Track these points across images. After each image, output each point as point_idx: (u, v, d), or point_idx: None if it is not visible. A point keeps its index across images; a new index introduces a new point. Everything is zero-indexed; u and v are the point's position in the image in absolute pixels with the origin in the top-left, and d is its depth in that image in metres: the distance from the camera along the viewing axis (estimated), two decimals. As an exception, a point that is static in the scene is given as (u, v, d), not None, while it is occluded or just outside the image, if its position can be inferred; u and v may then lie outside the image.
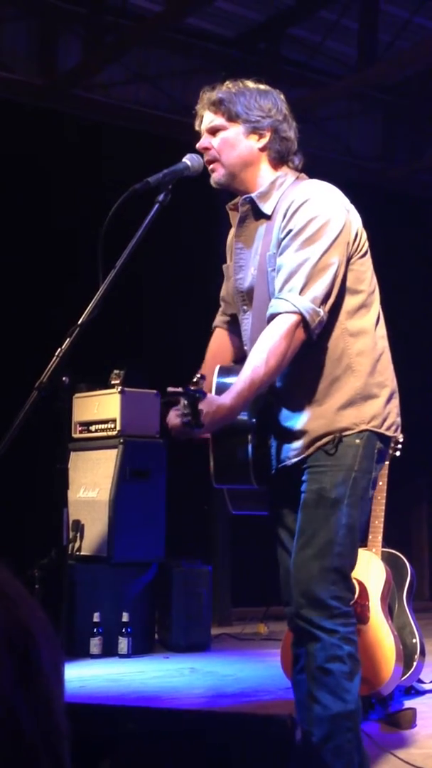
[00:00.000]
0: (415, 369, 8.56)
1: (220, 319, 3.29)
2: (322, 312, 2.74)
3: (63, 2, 7.25)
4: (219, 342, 3.24)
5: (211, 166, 2.93)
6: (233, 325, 3.18)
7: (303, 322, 2.71)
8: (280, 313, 2.72)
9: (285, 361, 2.71)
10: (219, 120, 2.92)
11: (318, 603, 2.72)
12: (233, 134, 2.92)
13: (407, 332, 8.68)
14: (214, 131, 2.93)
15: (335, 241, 2.78)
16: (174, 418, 2.67)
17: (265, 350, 2.68)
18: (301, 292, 2.72)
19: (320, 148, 8.48)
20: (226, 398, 2.67)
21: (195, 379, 2.55)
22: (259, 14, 7.60)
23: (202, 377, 2.56)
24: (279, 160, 2.97)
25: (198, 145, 2.95)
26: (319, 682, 2.71)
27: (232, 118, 2.91)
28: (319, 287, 2.73)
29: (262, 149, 2.94)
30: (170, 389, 2.57)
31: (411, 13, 7.26)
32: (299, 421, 2.84)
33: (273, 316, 2.73)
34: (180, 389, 2.54)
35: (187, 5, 6.72)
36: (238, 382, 2.69)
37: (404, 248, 8.85)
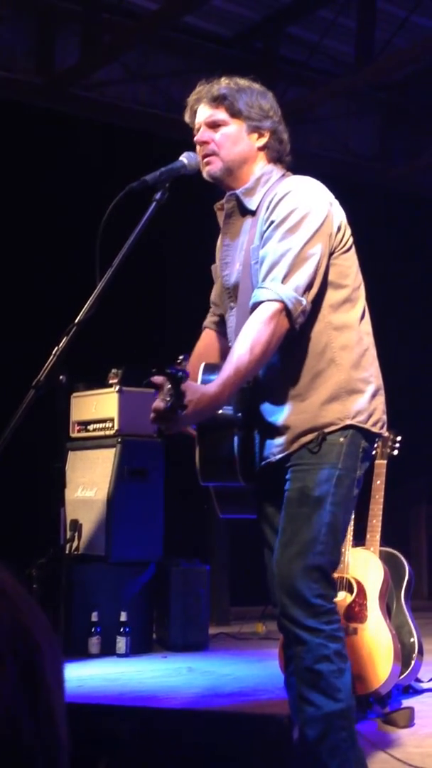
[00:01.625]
0: (414, 369, 8.57)
1: (209, 319, 3.29)
2: (305, 301, 2.73)
3: (60, 1, 7.24)
4: (207, 342, 3.23)
5: (206, 159, 2.92)
6: (222, 326, 3.18)
7: (286, 310, 2.70)
8: (262, 302, 2.71)
9: (270, 349, 2.70)
10: (221, 115, 2.92)
11: (301, 601, 2.70)
12: (235, 131, 2.92)
13: (407, 332, 8.69)
14: (214, 125, 2.92)
15: (317, 232, 2.78)
16: (158, 402, 2.63)
17: (250, 339, 2.67)
18: (284, 281, 2.72)
19: (318, 147, 8.48)
20: (211, 387, 2.65)
21: (178, 360, 2.52)
22: (257, 13, 7.60)
23: (185, 357, 2.53)
24: (275, 161, 2.98)
25: (197, 138, 2.94)
26: (308, 684, 2.70)
27: (235, 114, 2.91)
28: (302, 276, 2.73)
29: (260, 148, 2.95)
30: (155, 369, 2.54)
31: (408, 11, 7.26)
32: (282, 415, 2.83)
33: (256, 305, 2.73)
34: (163, 370, 2.50)
35: (184, 4, 6.71)
36: (223, 372, 2.67)
37: (403, 247, 8.85)
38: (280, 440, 2.84)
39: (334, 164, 8.54)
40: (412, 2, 7.21)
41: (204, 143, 2.92)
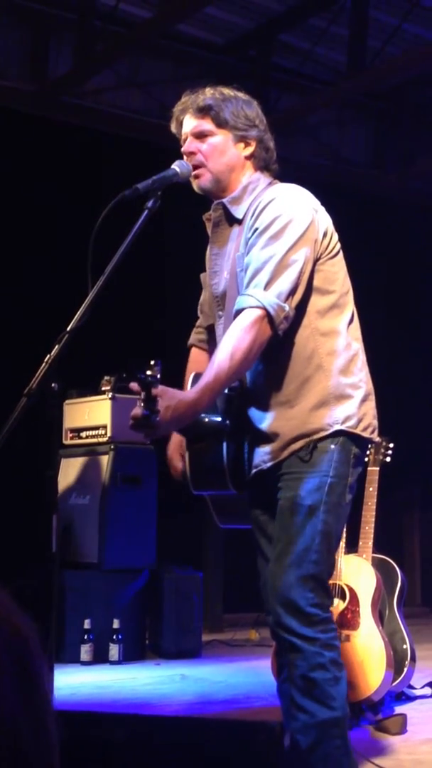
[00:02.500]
0: (407, 375, 8.58)
1: (195, 337, 3.29)
2: (288, 307, 2.74)
3: (53, 9, 7.25)
4: (197, 361, 3.23)
5: (196, 171, 2.93)
6: (209, 343, 3.19)
7: (268, 317, 2.71)
8: (244, 309, 2.72)
9: (251, 355, 2.70)
10: (207, 125, 2.93)
11: (296, 611, 2.70)
12: (222, 141, 2.93)
13: (400, 339, 8.71)
14: (201, 136, 2.93)
15: (300, 239, 2.79)
16: (135, 409, 2.61)
17: (231, 345, 2.67)
18: (266, 287, 2.72)
19: (311, 155, 8.50)
20: (190, 393, 2.65)
21: (151, 364, 2.50)
22: (249, 21, 7.62)
23: (157, 363, 2.51)
24: (262, 169, 2.99)
25: (184, 149, 2.95)
26: (303, 691, 2.69)
27: (221, 124, 2.92)
28: (284, 283, 2.74)
29: (247, 157, 2.96)
30: (126, 375, 2.55)
31: (400, 19, 7.28)
32: (271, 422, 2.83)
33: (238, 312, 2.74)
34: (133, 375, 2.48)
35: (177, 12, 6.73)
36: (203, 378, 2.67)
37: (396, 254, 8.87)
38: (269, 448, 2.84)
39: (327, 172, 8.55)
40: (405, 10, 7.24)
41: (191, 154, 2.93)
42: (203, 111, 2.92)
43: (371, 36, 7.27)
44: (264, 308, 2.70)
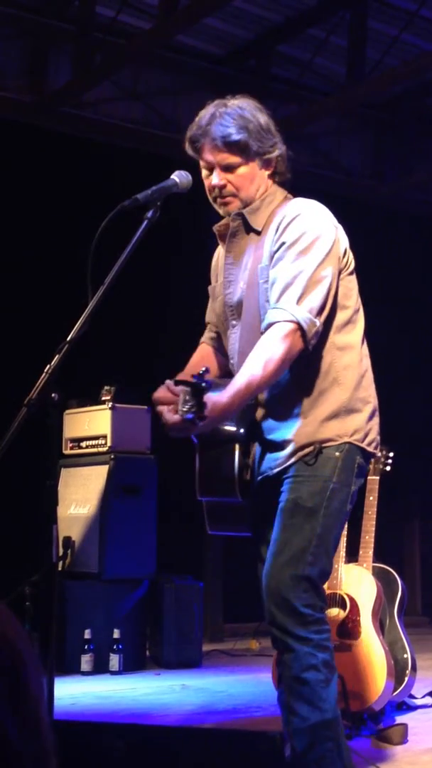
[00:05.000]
0: (408, 387, 8.59)
1: (207, 335, 3.31)
2: (318, 322, 2.78)
3: (53, 20, 7.27)
4: (202, 354, 3.24)
5: (225, 199, 2.94)
6: (219, 342, 3.20)
7: (300, 330, 2.74)
8: (278, 322, 2.74)
9: (282, 367, 2.73)
10: (236, 159, 2.91)
11: (290, 610, 2.72)
12: (251, 170, 2.94)
13: (400, 349, 8.71)
14: (229, 168, 2.92)
15: (328, 255, 2.83)
16: (169, 414, 2.61)
17: (264, 355, 2.70)
18: (298, 302, 2.76)
19: (310, 165, 8.52)
20: (223, 395, 2.65)
21: (201, 371, 2.50)
22: (249, 32, 7.64)
23: (207, 370, 2.50)
24: (280, 183, 3.01)
25: (214, 183, 2.92)
26: (295, 693, 2.72)
27: (251, 157, 2.92)
28: (315, 298, 2.77)
29: (271, 176, 2.98)
30: (178, 378, 2.54)
31: (399, 30, 7.30)
32: (285, 432, 2.87)
33: (270, 325, 2.75)
34: (187, 379, 2.47)
35: (177, 23, 6.75)
36: (235, 383, 2.69)
37: (394, 264, 8.88)
38: (280, 454, 2.87)
39: (326, 181, 8.57)
40: (403, 21, 7.26)
41: (222, 187, 2.93)
42: (230, 146, 2.89)
43: (370, 46, 7.29)
44: (297, 322, 2.73)
